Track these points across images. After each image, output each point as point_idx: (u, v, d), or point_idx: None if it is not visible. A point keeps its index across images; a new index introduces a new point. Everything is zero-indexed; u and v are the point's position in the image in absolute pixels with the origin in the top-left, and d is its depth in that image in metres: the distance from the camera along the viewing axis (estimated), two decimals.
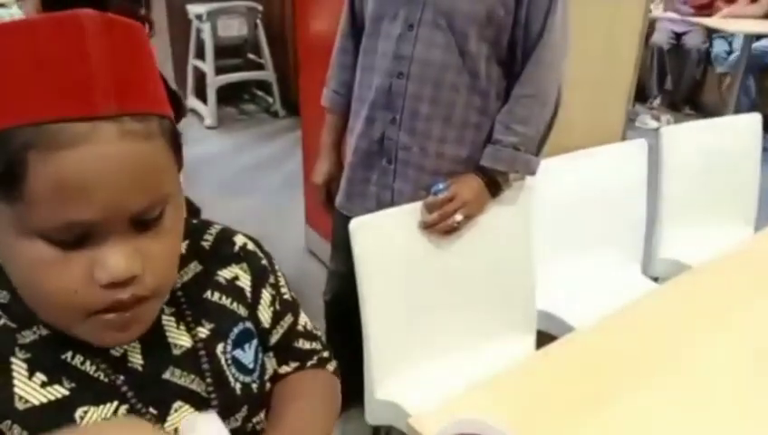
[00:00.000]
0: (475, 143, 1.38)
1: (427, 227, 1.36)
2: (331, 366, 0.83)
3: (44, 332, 0.58)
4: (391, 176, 1.41)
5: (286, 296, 0.77)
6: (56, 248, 0.50)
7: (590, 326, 1.18)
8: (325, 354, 0.82)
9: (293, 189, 3.10)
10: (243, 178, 3.74)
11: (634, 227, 1.84)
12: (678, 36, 4.77)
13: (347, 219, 1.31)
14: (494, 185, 1.38)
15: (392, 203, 1.39)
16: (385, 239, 1.33)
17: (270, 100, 4.86)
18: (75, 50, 0.48)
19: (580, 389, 1.01)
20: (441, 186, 1.35)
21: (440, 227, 1.35)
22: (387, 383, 1.35)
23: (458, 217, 1.34)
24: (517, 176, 1.42)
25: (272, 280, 0.74)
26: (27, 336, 0.57)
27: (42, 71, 0.48)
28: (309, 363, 0.79)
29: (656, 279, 1.88)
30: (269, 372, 0.74)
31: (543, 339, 1.51)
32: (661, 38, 4.78)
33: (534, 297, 1.55)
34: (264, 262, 0.74)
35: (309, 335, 0.80)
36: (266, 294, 0.73)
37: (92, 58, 0.48)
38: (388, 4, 1.35)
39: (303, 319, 0.80)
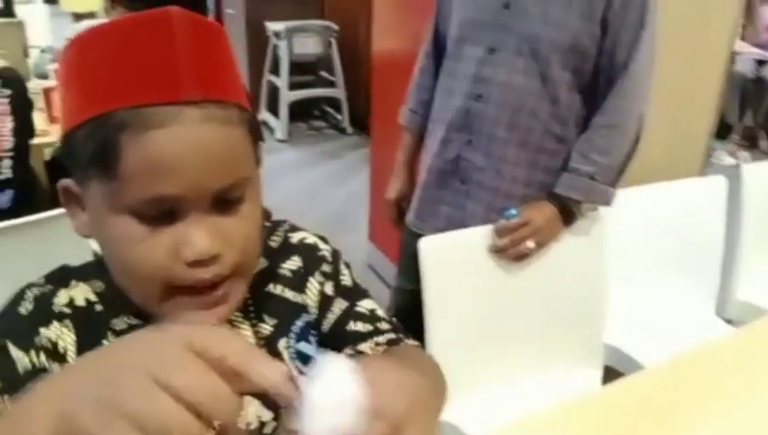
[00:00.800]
0: (548, 168, 1.37)
1: (498, 251, 1.35)
2: (411, 342, 0.75)
3: (134, 321, 0.61)
4: (464, 197, 1.41)
5: (345, 283, 0.74)
6: (144, 225, 0.54)
7: (660, 364, 1.15)
8: (395, 335, 0.73)
9: (358, 205, 3.14)
10: (309, 191, 3.82)
11: (709, 266, 1.77)
12: (761, 64, 4.59)
13: (416, 237, 1.31)
14: (568, 213, 1.36)
15: (463, 224, 1.39)
16: (454, 260, 1.32)
17: (339, 117, 4.95)
18: (165, 41, 0.52)
19: (647, 427, 0.98)
20: (514, 211, 1.33)
21: (511, 252, 1.34)
22: (447, 405, 1.34)
23: (530, 243, 1.33)
24: (591, 205, 1.40)
25: (325, 268, 0.73)
26: (118, 324, 0.61)
27: (134, 61, 0.52)
28: (369, 344, 0.72)
29: (729, 321, 1.80)
30: None
31: (610, 375, 1.47)
32: (744, 67, 4.59)
33: (603, 331, 1.51)
34: (323, 253, 0.74)
35: (370, 318, 0.73)
36: (313, 282, 0.72)
37: (179, 49, 0.52)
38: (471, 27, 1.36)
39: (369, 304, 0.75)
